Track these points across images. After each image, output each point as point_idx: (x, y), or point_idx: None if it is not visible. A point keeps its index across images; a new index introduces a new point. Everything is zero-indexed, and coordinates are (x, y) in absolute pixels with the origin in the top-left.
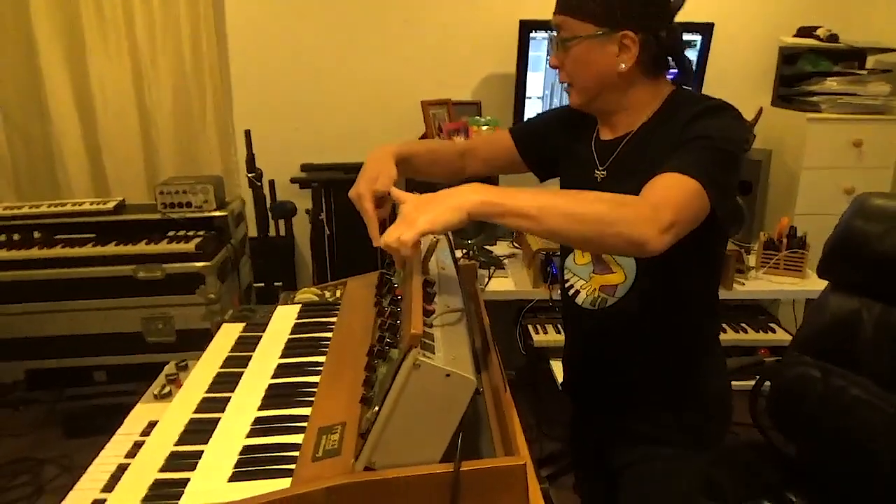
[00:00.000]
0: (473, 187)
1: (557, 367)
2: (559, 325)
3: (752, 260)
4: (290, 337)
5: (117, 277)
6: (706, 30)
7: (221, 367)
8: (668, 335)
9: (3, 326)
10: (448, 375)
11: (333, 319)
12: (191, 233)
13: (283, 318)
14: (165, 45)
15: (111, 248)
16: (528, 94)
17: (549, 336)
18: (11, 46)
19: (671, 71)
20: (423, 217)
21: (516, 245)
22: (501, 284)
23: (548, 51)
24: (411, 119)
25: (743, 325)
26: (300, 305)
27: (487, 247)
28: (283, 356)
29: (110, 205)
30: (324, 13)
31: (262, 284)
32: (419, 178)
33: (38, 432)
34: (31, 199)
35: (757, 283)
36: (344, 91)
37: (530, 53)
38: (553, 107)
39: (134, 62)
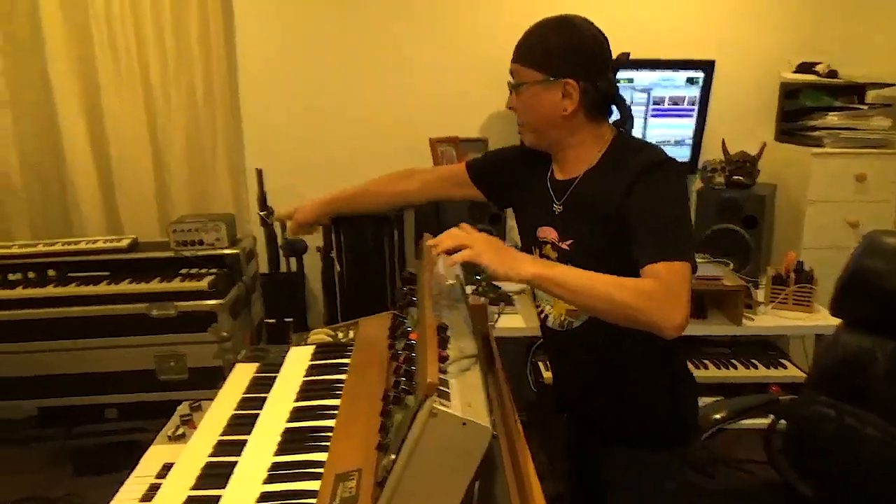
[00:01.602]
0: (532, 260)
1: None
2: None
3: (760, 295)
4: (305, 379)
5: (131, 315)
6: (707, 67)
7: (236, 409)
8: (629, 352)
9: (17, 364)
10: (464, 424)
11: (347, 361)
12: (203, 270)
13: (297, 360)
14: (178, 85)
15: (125, 287)
16: None
17: None
18: (28, 87)
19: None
20: (488, 255)
21: None
22: (511, 321)
23: None
24: (420, 156)
25: (753, 361)
26: (314, 347)
27: (496, 283)
28: (297, 399)
29: (124, 243)
30: (333, 51)
31: (274, 321)
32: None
33: (49, 470)
34: (44, 237)
35: (766, 319)
36: (354, 128)
37: None
38: None
39: (147, 102)
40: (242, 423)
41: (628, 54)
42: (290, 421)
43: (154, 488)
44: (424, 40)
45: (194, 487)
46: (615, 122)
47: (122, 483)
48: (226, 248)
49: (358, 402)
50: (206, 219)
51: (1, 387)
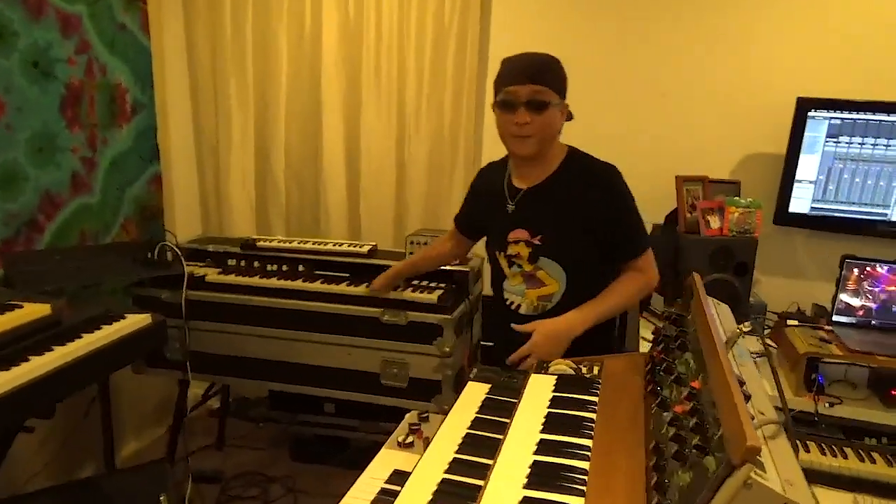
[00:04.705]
0: (578, 320)
1: (823, 494)
2: (825, 444)
3: None
4: (550, 411)
5: (364, 318)
6: None
7: (470, 428)
8: None
9: (258, 347)
10: None
11: (593, 399)
12: (433, 284)
13: (539, 388)
14: (430, 111)
15: (363, 290)
16: (797, 178)
17: (812, 456)
18: (304, 101)
19: None
20: (543, 350)
21: (770, 343)
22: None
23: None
24: (664, 193)
25: None
26: (556, 377)
27: None
28: (544, 431)
29: (365, 248)
30: (583, 85)
31: (492, 344)
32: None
33: (271, 450)
34: (296, 235)
35: None
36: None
37: (806, 133)
38: (818, 193)
39: (399, 123)
40: (478, 443)
41: None
42: (538, 454)
43: (385, 493)
44: (681, 74)
45: (431, 502)
46: None
47: (331, 475)
48: (456, 265)
49: (614, 447)
50: (442, 234)
51: (241, 366)
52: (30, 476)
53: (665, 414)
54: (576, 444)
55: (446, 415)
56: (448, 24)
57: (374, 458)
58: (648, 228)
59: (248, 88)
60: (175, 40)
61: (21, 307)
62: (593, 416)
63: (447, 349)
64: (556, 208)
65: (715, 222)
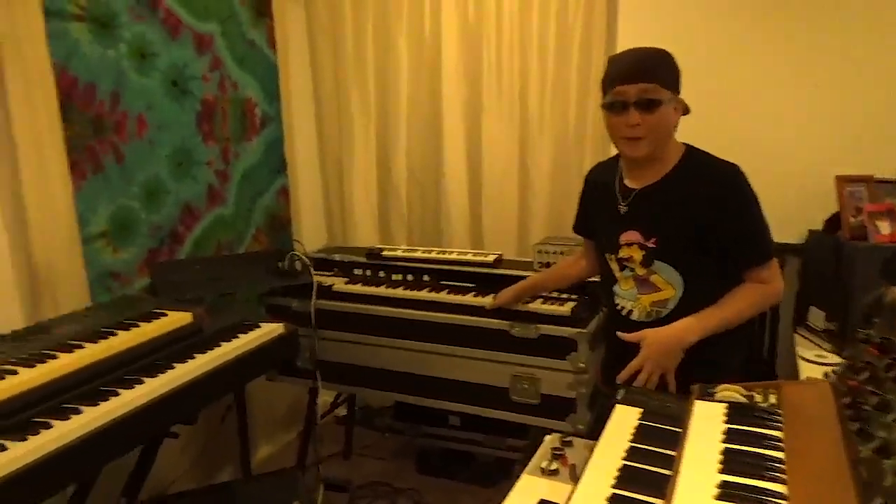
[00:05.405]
0: (690, 325)
1: None
2: None
3: None
4: (725, 446)
5: (492, 330)
6: None
7: (626, 459)
8: None
9: (385, 357)
10: None
11: (775, 433)
12: (564, 295)
13: (706, 418)
14: (553, 114)
15: (490, 301)
16: None
17: None
18: (424, 109)
19: None
20: (657, 363)
21: None
22: None
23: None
24: (821, 195)
25: None
26: (725, 405)
27: None
28: (723, 471)
29: (490, 258)
30: (718, 72)
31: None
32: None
33: (397, 460)
34: (418, 244)
35: None
36: (744, 161)
37: None
38: None
39: (522, 127)
40: (639, 478)
41: None
42: (721, 498)
43: None
44: (834, 64)
45: None
46: None
47: (459, 491)
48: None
49: (816, 497)
50: (574, 243)
51: (368, 376)
52: (174, 479)
53: (887, 462)
54: (767, 489)
55: (583, 437)
56: (572, 23)
57: (503, 476)
58: (804, 233)
59: (370, 98)
60: (300, 54)
61: (166, 315)
62: (781, 454)
63: (582, 365)
64: (672, 210)
65: (885, 227)
